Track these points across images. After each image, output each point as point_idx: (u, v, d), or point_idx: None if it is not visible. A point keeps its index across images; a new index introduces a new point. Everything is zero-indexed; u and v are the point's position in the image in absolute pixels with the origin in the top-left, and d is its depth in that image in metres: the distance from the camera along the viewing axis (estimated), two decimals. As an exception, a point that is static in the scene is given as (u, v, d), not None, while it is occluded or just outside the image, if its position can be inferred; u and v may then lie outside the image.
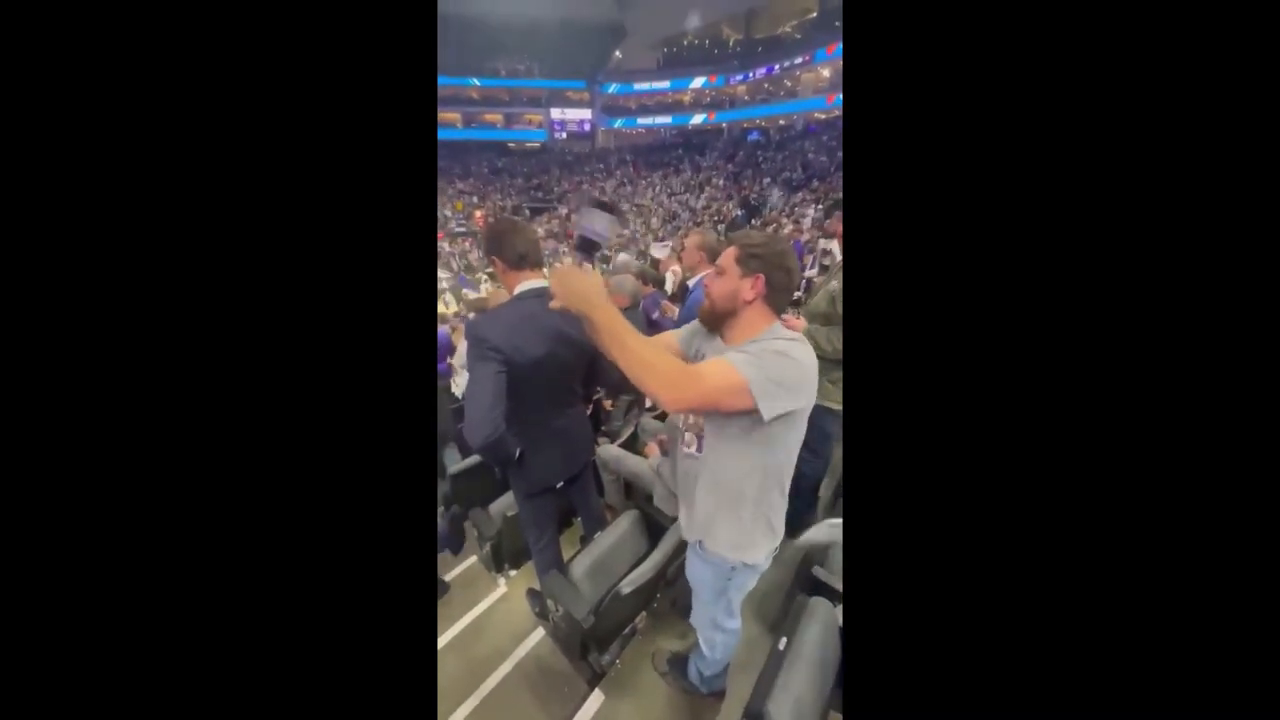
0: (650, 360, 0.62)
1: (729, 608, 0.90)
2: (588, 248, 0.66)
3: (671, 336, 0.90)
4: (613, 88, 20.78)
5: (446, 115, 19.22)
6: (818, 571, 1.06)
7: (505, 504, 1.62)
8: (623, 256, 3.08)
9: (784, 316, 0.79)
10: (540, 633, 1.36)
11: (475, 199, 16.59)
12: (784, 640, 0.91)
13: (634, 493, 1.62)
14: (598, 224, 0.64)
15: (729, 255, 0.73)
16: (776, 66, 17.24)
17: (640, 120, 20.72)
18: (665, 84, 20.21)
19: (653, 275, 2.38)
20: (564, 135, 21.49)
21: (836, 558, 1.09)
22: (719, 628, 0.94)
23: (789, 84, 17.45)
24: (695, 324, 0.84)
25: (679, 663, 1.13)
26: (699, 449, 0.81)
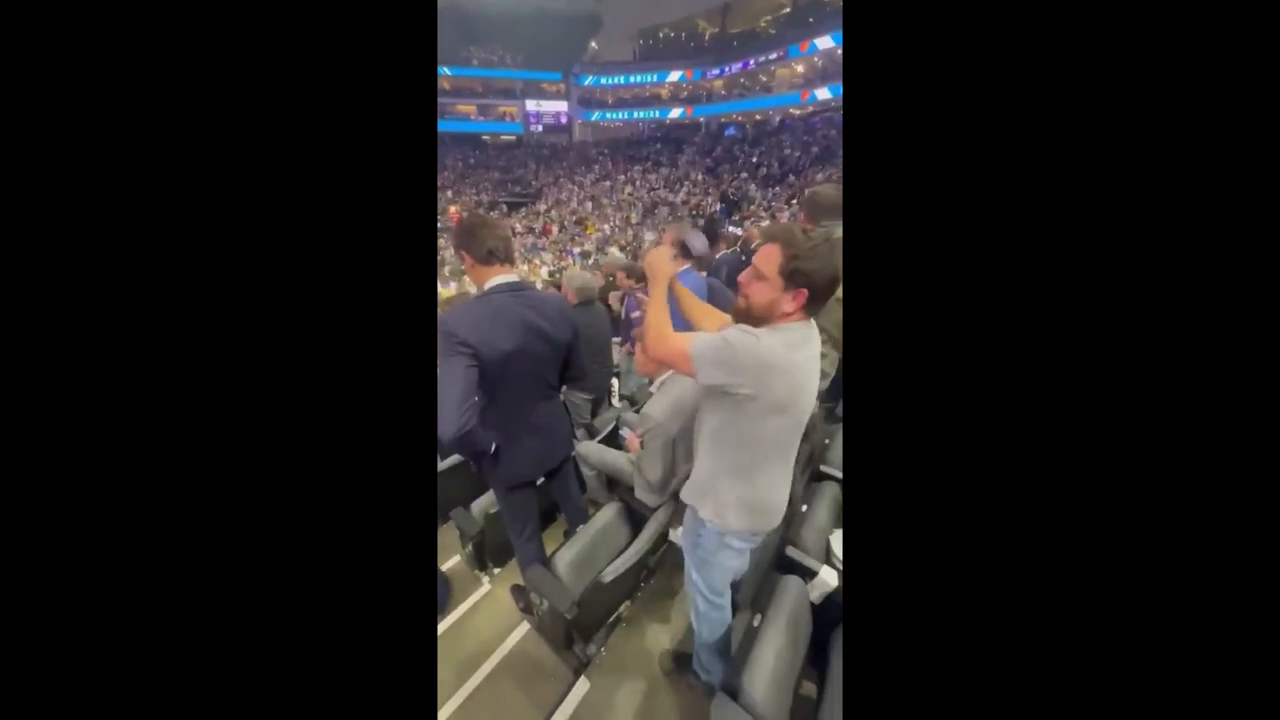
0: (653, 320, 0.79)
1: (711, 583, 0.92)
2: (686, 253, 0.93)
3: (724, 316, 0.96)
4: (589, 80, 20.50)
5: (417, 106, 18.42)
6: (791, 551, 1.11)
7: (486, 502, 1.61)
8: (613, 252, 3.07)
9: None
10: (525, 627, 1.38)
11: (450, 193, 16.13)
12: (758, 617, 0.96)
13: (617, 486, 1.64)
14: (697, 242, 0.93)
15: (771, 259, 0.70)
16: (752, 61, 17.37)
17: (617, 114, 20.54)
18: (642, 77, 20.08)
19: (640, 271, 2.39)
20: (540, 128, 21.10)
21: (808, 536, 1.15)
22: (702, 595, 0.94)
23: (764, 79, 17.63)
24: None
25: (684, 659, 1.12)
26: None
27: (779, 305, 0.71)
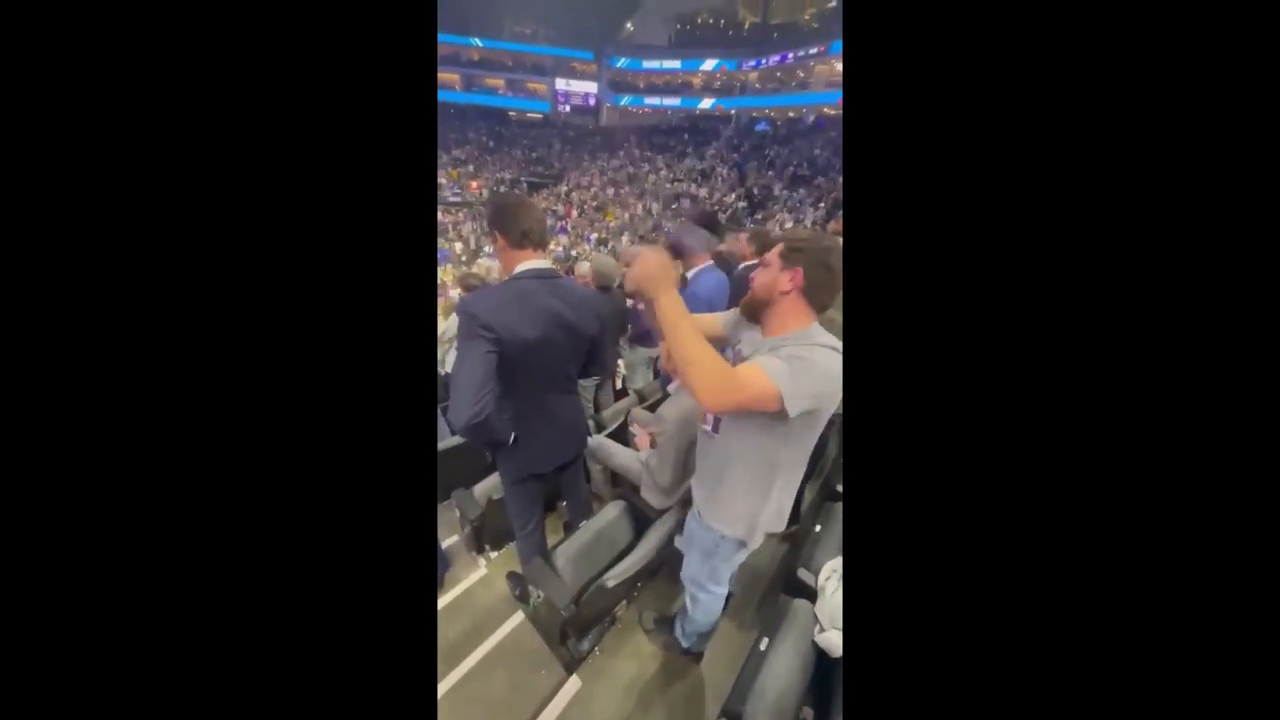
0: (698, 358, 0.61)
1: (714, 574, 0.95)
2: (679, 252, 0.80)
3: (716, 319, 0.92)
4: (621, 62, 20.05)
5: (445, 76, 18.34)
6: (802, 574, 1.07)
7: (490, 486, 1.60)
8: (633, 248, 3.05)
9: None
10: (519, 615, 1.36)
11: (471, 168, 16.00)
12: (765, 641, 0.92)
13: (621, 482, 1.61)
14: (691, 239, 0.80)
15: (775, 249, 0.77)
16: (790, 55, 16.85)
17: (647, 100, 20.10)
18: (675, 63, 19.58)
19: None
20: (567, 108, 20.77)
21: (821, 559, 1.10)
22: (703, 588, 1.00)
23: (801, 74, 17.11)
24: (737, 312, 0.88)
25: (665, 622, 1.21)
26: (715, 429, 0.86)
27: (777, 285, 0.75)
